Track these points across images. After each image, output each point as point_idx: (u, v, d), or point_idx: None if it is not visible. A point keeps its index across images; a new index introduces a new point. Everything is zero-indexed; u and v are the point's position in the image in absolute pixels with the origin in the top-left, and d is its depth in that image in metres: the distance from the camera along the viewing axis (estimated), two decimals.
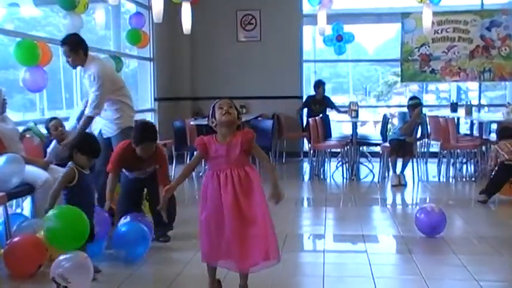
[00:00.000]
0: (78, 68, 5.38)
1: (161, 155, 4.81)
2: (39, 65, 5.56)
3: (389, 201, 7.22)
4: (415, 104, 7.98)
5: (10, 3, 6.38)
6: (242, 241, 3.42)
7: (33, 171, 4.80)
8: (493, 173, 6.66)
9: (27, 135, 5.28)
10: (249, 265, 3.46)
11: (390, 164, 8.06)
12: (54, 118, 5.65)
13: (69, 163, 4.01)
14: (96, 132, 5.35)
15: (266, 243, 3.42)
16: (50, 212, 3.83)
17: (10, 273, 4.09)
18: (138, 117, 8.82)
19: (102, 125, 5.46)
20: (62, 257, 3.60)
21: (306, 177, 8.90)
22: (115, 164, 4.74)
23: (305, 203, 7.24)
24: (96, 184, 5.27)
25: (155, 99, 10.15)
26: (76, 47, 5.23)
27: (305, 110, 10.47)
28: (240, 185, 3.43)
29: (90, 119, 5.29)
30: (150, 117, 9.84)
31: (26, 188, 4.74)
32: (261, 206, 3.45)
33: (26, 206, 5.11)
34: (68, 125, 6.12)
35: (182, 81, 10.90)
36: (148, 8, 9.25)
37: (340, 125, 10.25)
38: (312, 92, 10.47)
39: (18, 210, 5.38)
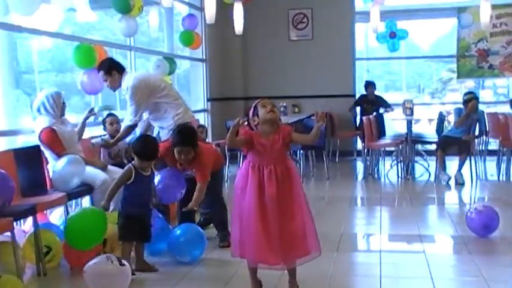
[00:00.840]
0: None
1: (198, 161, 4.52)
2: (96, 67, 5.67)
3: (446, 200, 7.10)
4: (470, 98, 7.84)
5: (68, 8, 6.52)
6: (284, 235, 3.48)
7: (91, 172, 4.93)
8: None
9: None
10: (293, 259, 3.52)
11: (438, 161, 7.91)
12: (112, 114, 5.80)
13: (129, 163, 4.18)
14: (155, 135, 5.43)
15: (307, 236, 3.51)
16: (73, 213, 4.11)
17: (70, 264, 4.32)
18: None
19: (158, 131, 5.55)
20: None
21: (360, 176, 8.82)
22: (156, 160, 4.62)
23: (359, 202, 7.18)
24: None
25: (208, 100, 10.24)
26: (109, 70, 5.30)
27: (358, 109, 10.40)
28: (283, 180, 3.50)
29: (130, 129, 5.34)
30: (202, 117, 9.92)
31: (86, 188, 4.88)
32: (301, 199, 3.54)
33: (85, 205, 5.23)
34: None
35: (234, 82, 10.96)
36: (201, 9, 9.34)
37: (394, 123, 10.10)
38: (364, 92, 10.39)
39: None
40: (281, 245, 3.47)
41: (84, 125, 5.49)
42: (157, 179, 4.50)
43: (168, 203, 4.90)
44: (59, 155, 4.91)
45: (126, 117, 5.32)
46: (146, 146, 4.18)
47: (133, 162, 4.16)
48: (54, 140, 4.96)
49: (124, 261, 3.67)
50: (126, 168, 4.16)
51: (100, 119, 5.85)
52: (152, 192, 4.27)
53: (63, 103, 5.13)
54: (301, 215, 3.51)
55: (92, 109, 5.66)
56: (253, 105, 3.57)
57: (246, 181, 3.53)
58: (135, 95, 5.22)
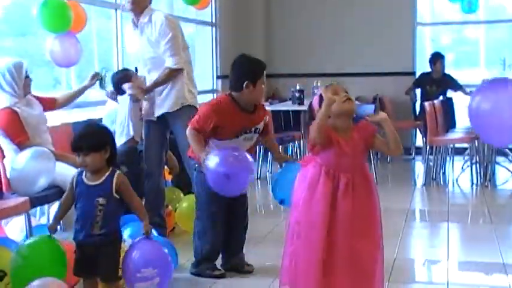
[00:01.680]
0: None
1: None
2: (69, 31, 5.71)
3: None
4: None
5: None
6: (352, 270, 3.51)
7: (63, 170, 4.93)
8: None
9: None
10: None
11: None
12: (126, 69, 5.94)
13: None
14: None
15: (375, 278, 3.57)
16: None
17: None
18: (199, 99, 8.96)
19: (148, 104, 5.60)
20: None
21: (420, 182, 8.81)
22: (205, 124, 4.53)
23: (418, 217, 7.19)
24: (143, 188, 5.46)
25: (217, 77, 10.33)
26: None
27: (418, 92, 10.38)
28: (359, 195, 3.54)
29: (174, 72, 5.41)
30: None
31: (55, 192, 4.90)
32: (376, 226, 3.61)
33: (52, 214, 5.25)
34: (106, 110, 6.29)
35: (254, 53, 10.84)
36: None
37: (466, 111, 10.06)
38: (428, 68, 10.34)
39: (43, 220, 5.56)
40: (343, 281, 3.51)
41: (78, 95, 5.68)
42: (214, 161, 4.29)
43: (234, 195, 4.65)
44: (20, 145, 4.96)
45: (167, 56, 5.37)
46: (81, 131, 4.00)
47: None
48: (15, 125, 5.00)
49: None
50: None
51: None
52: (96, 213, 3.85)
53: (27, 77, 5.15)
54: (373, 248, 3.55)
55: (98, 73, 5.75)
56: (318, 93, 3.60)
57: (314, 191, 3.53)
58: (175, 30, 5.37)
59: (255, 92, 4.61)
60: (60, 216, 3.97)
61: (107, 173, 3.82)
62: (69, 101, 5.66)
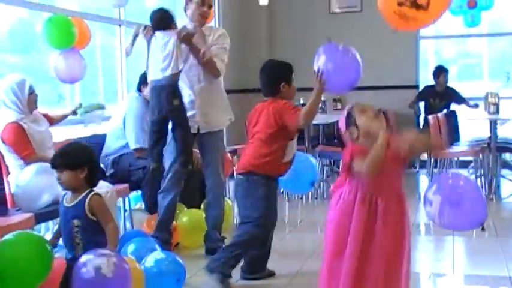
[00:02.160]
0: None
1: None
2: (73, 48, 5.73)
3: None
4: None
5: None
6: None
7: None
8: None
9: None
10: None
11: None
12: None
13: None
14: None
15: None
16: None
17: None
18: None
19: (203, 115, 5.70)
20: None
21: (423, 194, 8.75)
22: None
23: (423, 230, 7.16)
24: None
25: None
26: None
27: (422, 105, 10.37)
28: (395, 221, 3.42)
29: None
30: None
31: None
32: (404, 258, 3.49)
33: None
34: (110, 127, 6.30)
35: (256, 67, 10.89)
36: None
37: (472, 125, 10.02)
38: (431, 81, 10.34)
39: (48, 236, 5.54)
40: None
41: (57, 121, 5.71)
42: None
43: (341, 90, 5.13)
44: (26, 159, 4.99)
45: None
46: (60, 148, 4.04)
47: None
48: (21, 139, 5.06)
49: None
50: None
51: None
52: (72, 235, 3.81)
53: (31, 93, 5.18)
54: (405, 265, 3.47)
55: (75, 111, 5.85)
56: (346, 112, 3.52)
57: (349, 220, 3.39)
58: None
59: (291, 91, 4.95)
60: (58, 232, 3.97)
61: (83, 194, 3.80)
62: (59, 121, 5.74)
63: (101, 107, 6.10)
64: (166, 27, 5.35)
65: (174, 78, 5.33)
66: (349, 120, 3.45)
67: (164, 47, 5.28)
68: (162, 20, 5.37)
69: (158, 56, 5.28)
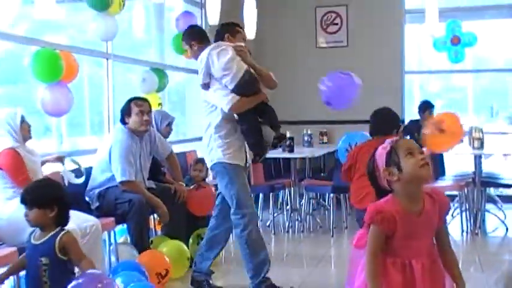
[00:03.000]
0: None
1: None
2: (61, 81, 5.70)
3: None
4: None
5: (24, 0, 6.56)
6: None
7: None
8: None
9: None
10: None
11: None
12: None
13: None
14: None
15: None
16: None
17: None
18: (187, 147, 8.93)
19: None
20: None
21: None
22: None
23: None
24: None
25: None
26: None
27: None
28: (436, 280, 3.03)
29: None
30: (201, 148, 9.89)
31: None
32: None
33: None
34: (96, 160, 6.27)
35: None
36: (201, 5, 9.39)
37: (457, 159, 10.04)
38: (416, 115, 10.37)
39: None
40: None
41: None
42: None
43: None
44: (21, 184, 4.96)
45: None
46: (31, 184, 4.04)
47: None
48: (18, 165, 5.06)
49: None
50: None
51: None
52: (40, 274, 3.74)
53: (23, 121, 5.22)
54: None
55: (60, 158, 5.78)
56: (388, 148, 3.03)
57: None
58: None
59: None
60: (11, 270, 3.91)
61: (53, 232, 3.75)
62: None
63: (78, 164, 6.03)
64: None
65: None
66: (391, 157, 2.98)
67: None
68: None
69: None
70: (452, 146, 6.48)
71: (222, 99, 5.44)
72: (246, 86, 5.52)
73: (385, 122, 5.55)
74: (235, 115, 5.55)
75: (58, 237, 3.73)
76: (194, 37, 5.79)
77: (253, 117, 5.64)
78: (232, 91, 5.39)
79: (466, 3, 10.98)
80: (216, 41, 5.75)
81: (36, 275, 3.70)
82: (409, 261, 2.93)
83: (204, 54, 5.51)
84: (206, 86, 5.55)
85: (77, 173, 5.85)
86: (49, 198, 3.79)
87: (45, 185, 4.07)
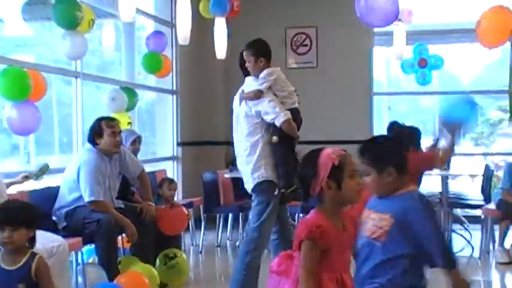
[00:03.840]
0: None
1: None
2: (28, 100, 5.64)
3: (495, 284, 7.16)
4: None
5: None
6: None
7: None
8: None
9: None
10: None
11: (498, 234, 7.97)
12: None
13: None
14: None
15: None
16: None
17: None
18: (156, 166, 8.88)
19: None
20: None
21: None
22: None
23: None
24: None
25: (178, 144, 10.25)
26: None
27: None
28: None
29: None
30: (171, 167, 9.94)
31: None
32: None
33: None
34: (64, 178, 6.21)
35: (214, 121, 10.94)
36: (171, 25, 9.39)
37: (424, 180, 10.08)
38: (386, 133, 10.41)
39: None
40: None
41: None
42: None
43: None
44: None
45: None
46: (14, 203, 3.94)
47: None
48: None
49: None
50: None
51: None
52: None
53: None
54: None
55: (27, 176, 5.78)
56: (336, 162, 2.98)
57: None
58: None
59: None
60: None
61: (27, 256, 3.66)
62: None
63: (47, 167, 6.03)
64: None
65: None
66: (335, 172, 2.98)
67: None
68: None
69: None
70: None
71: (276, 109, 5.59)
72: (297, 115, 5.79)
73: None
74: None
75: (34, 262, 3.65)
76: (266, 55, 5.96)
77: (292, 147, 5.78)
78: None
79: (432, 27, 11.06)
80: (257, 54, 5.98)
81: None
82: (341, 275, 2.95)
83: (273, 71, 5.86)
84: (258, 96, 5.72)
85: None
86: (34, 219, 3.74)
87: (28, 205, 3.96)
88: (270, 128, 5.57)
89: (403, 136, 5.61)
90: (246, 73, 6.02)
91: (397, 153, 3.29)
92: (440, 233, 3.27)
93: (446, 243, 3.33)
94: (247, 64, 5.96)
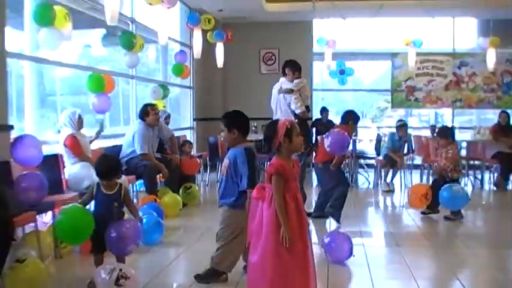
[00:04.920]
0: None
1: None
2: (104, 92, 5.68)
3: (381, 204, 7.19)
4: (401, 124, 8.12)
5: (85, 45, 6.51)
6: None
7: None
8: None
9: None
10: None
11: (382, 174, 8.09)
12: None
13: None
14: None
15: None
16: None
17: (81, 249, 4.30)
18: (181, 133, 8.96)
19: None
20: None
21: (315, 183, 8.80)
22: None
23: (313, 204, 6.95)
24: None
25: (194, 119, 10.24)
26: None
27: (314, 130, 10.45)
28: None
29: None
30: (189, 134, 9.92)
31: None
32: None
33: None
34: (124, 140, 6.24)
35: (216, 105, 10.95)
36: (190, 47, 9.40)
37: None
38: (319, 116, 10.51)
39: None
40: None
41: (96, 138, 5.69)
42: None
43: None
44: (79, 156, 4.98)
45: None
46: (105, 164, 3.61)
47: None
48: (76, 145, 5.04)
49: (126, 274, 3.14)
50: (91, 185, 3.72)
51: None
52: (114, 211, 3.58)
53: (79, 117, 5.18)
54: None
55: (97, 132, 5.73)
56: (289, 126, 2.89)
57: (288, 214, 2.82)
58: None
59: None
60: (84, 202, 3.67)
61: (118, 185, 3.60)
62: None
63: (103, 121, 5.94)
64: None
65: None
66: (288, 132, 2.89)
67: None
68: None
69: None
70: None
71: (298, 105, 5.88)
72: (308, 108, 6.22)
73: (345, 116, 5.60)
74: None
75: (122, 189, 3.60)
76: (298, 70, 6.11)
77: (306, 124, 6.21)
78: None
79: (347, 51, 11.02)
80: (294, 70, 6.13)
81: (111, 211, 3.55)
82: (295, 194, 2.88)
83: (302, 81, 6.09)
84: (290, 92, 6.00)
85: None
86: (119, 166, 3.73)
87: (115, 158, 3.97)
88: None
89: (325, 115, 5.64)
90: (284, 75, 6.20)
91: (239, 120, 3.62)
92: (251, 168, 3.39)
93: (254, 174, 3.39)
94: (287, 72, 6.11)
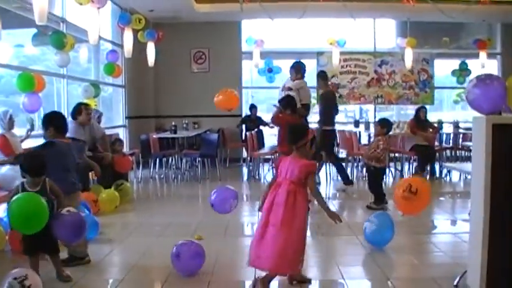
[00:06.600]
0: None
1: None
2: (35, 91, 5.57)
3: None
4: None
5: (16, 44, 6.33)
6: None
7: None
8: None
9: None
10: None
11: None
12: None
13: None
14: None
15: None
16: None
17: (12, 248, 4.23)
18: (113, 131, 8.84)
19: None
20: None
21: (245, 178, 9.00)
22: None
23: (244, 198, 7.19)
24: None
25: (126, 117, 10.16)
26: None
27: (243, 126, 10.53)
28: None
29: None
30: (122, 131, 9.82)
31: None
32: None
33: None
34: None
35: (148, 103, 10.90)
36: (121, 46, 9.30)
37: (271, 137, 10.43)
38: (249, 113, 10.64)
39: None
40: None
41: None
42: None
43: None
44: (7, 156, 4.90)
45: None
46: (32, 161, 3.47)
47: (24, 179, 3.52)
48: (6, 144, 4.98)
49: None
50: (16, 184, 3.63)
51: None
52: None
53: (10, 118, 5.08)
54: None
55: (28, 131, 5.65)
56: (313, 135, 3.55)
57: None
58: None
59: None
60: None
61: (42, 181, 3.49)
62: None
63: (32, 120, 5.85)
64: None
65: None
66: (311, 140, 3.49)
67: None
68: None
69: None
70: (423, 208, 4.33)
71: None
72: (307, 106, 6.94)
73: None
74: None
75: (47, 184, 3.50)
76: (301, 72, 6.91)
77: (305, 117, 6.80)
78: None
79: (275, 50, 11.08)
80: (296, 72, 6.99)
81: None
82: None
83: (301, 82, 6.90)
84: (289, 90, 6.78)
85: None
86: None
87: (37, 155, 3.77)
88: None
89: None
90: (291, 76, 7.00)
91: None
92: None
93: None
94: (291, 73, 6.96)
